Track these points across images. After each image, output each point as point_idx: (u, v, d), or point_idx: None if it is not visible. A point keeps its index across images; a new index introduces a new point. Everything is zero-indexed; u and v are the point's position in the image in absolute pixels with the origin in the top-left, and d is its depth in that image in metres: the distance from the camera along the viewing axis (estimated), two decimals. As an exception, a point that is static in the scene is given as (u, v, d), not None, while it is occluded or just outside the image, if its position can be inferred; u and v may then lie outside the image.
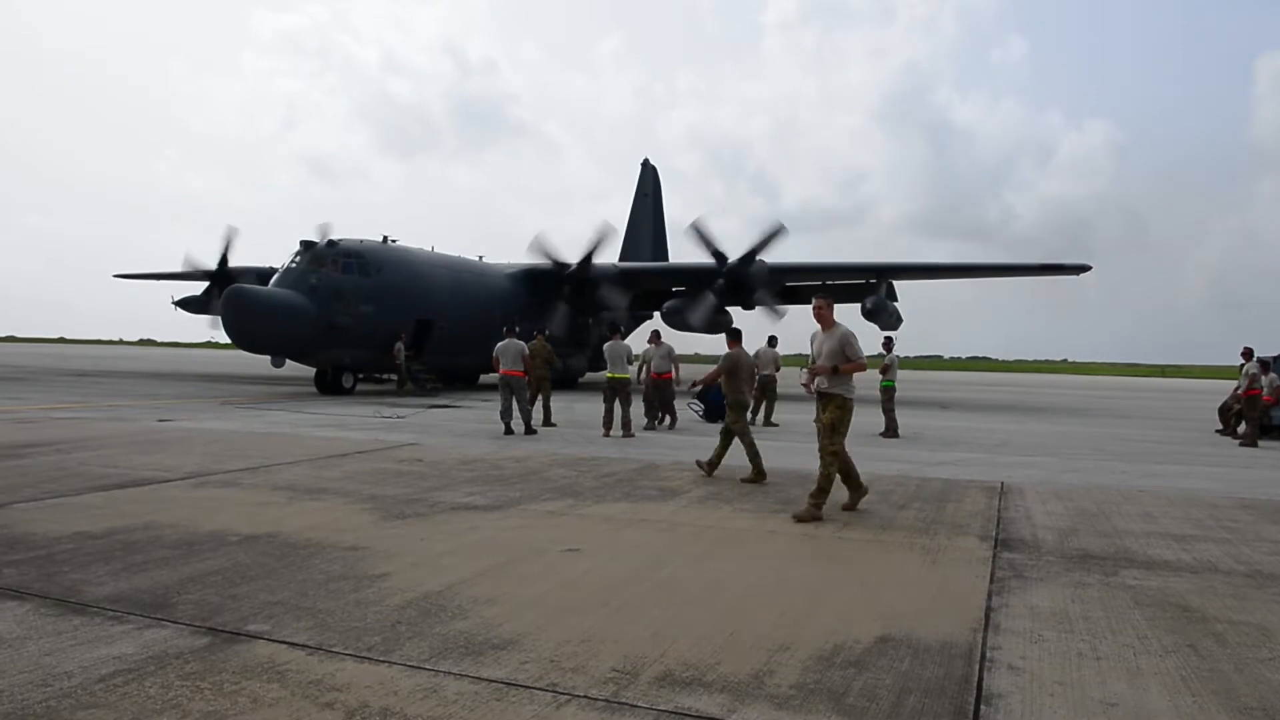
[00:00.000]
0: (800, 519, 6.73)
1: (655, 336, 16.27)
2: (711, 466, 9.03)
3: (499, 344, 13.96)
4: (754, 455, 8.89)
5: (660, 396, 15.47)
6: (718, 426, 15.27)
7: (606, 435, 13.34)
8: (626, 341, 14.88)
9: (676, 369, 15.87)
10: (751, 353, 16.65)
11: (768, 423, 16.02)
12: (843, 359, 7.01)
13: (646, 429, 14.66)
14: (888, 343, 16.17)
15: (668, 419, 15.68)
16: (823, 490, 6.94)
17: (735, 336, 9.85)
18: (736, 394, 9.29)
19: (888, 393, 15.01)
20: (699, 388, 12.59)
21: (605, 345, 14.52)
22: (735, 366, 9.36)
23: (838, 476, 7.17)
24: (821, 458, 7.03)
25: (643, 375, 16.28)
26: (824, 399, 7.10)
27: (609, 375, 13.89)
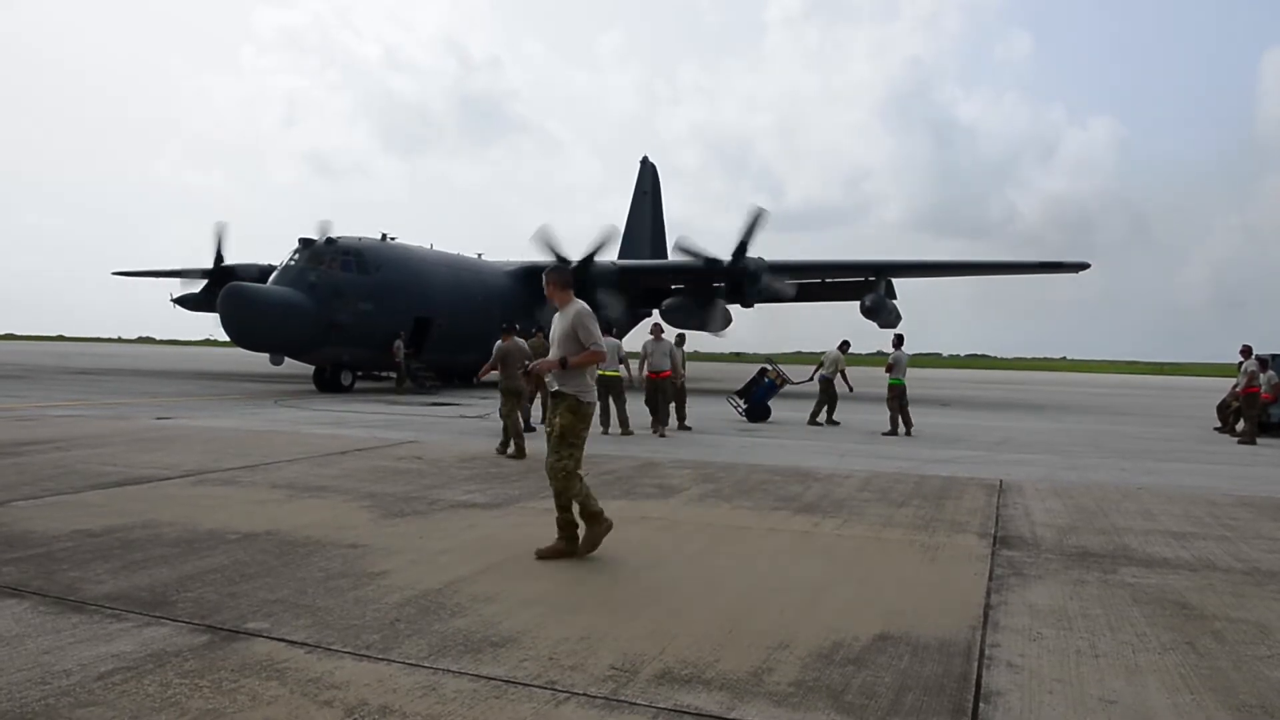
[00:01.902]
0: (543, 555, 5.31)
1: (655, 330, 15.10)
2: (517, 452, 10.29)
3: (498, 344, 13.93)
4: (518, 435, 10.42)
5: (664, 396, 14.18)
6: (750, 425, 15.39)
7: (605, 433, 13.33)
8: (621, 341, 14.75)
9: (675, 366, 15.02)
10: (829, 355, 16.76)
11: (830, 421, 15.93)
12: (575, 347, 5.43)
13: (657, 434, 13.37)
14: (898, 340, 15.86)
15: (674, 421, 14.52)
16: (568, 522, 5.42)
17: (506, 330, 11.63)
18: (510, 380, 10.82)
19: (894, 390, 14.87)
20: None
21: None
22: (506, 356, 10.97)
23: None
24: (552, 478, 5.40)
25: (643, 371, 15.29)
26: (554, 400, 5.55)
27: (600, 373, 13.86)
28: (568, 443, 5.37)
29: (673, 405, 14.54)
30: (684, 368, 15.27)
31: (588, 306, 5.60)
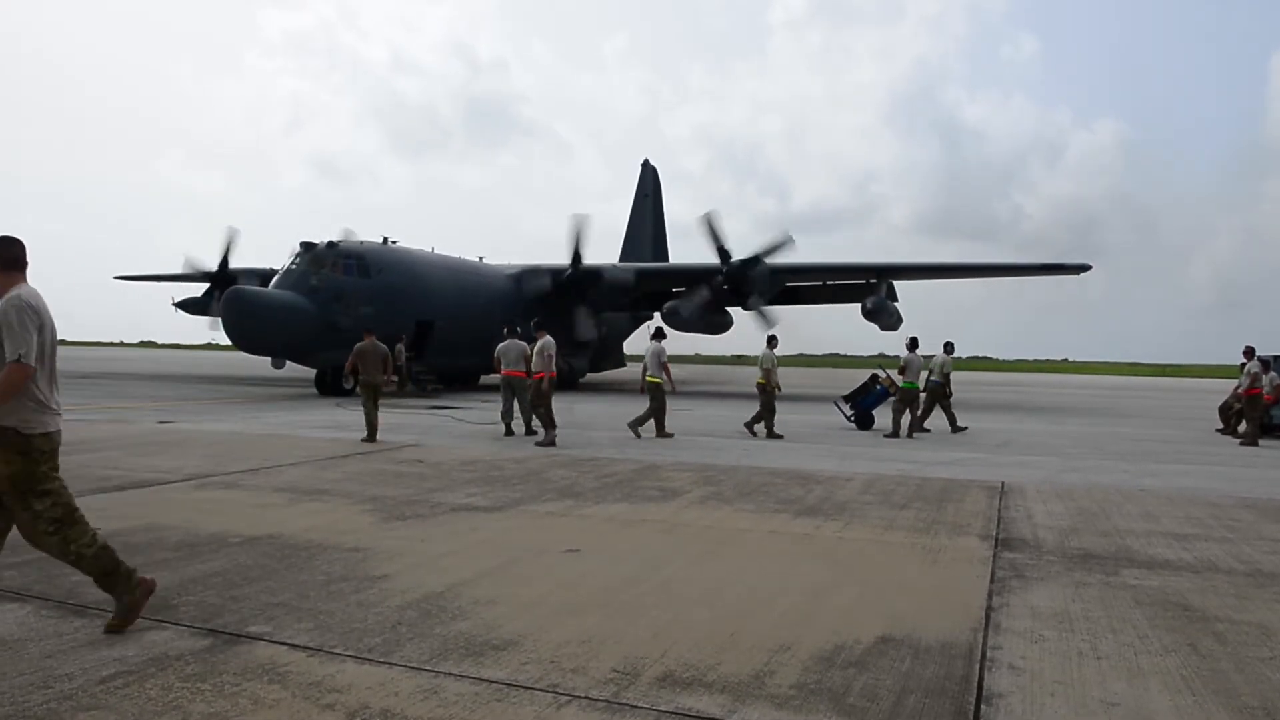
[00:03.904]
0: (112, 628, 3.85)
1: (539, 327, 13.46)
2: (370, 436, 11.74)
3: (501, 344, 13.95)
4: (372, 422, 11.86)
5: (536, 398, 12.70)
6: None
7: (639, 437, 12.98)
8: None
9: (772, 376, 14.46)
10: (936, 359, 16.16)
11: (955, 428, 15.44)
12: None
13: (540, 443, 11.94)
14: (912, 343, 15.58)
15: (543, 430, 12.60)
16: (108, 575, 3.90)
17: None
18: (369, 375, 12.30)
19: (905, 394, 14.80)
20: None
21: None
22: (363, 354, 12.51)
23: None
24: (39, 545, 3.87)
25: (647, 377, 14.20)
26: None
27: (648, 379, 13.80)
28: (36, 493, 3.77)
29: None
30: (776, 372, 14.57)
31: (25, 296, 3.77)
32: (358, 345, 12.63)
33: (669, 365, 14.17)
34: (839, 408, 16.71)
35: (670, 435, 13.31)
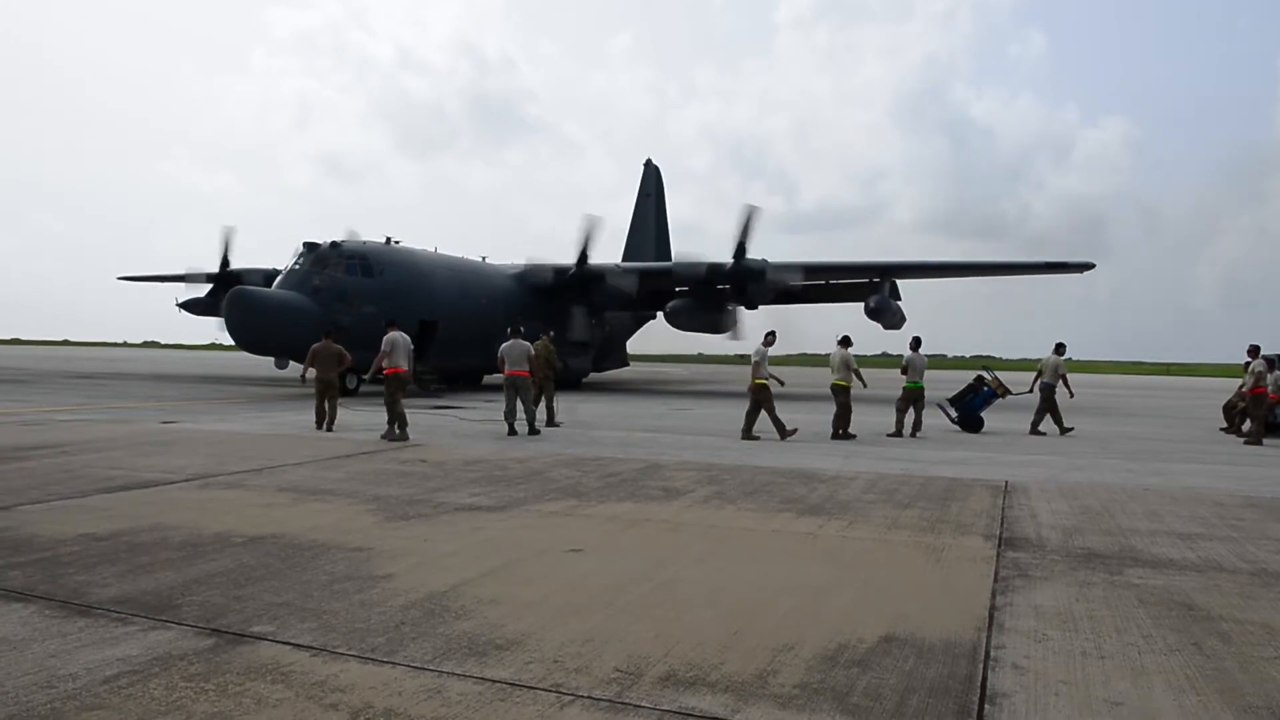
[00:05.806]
0: None
1: (389, 323, 13.68)
2: (328, 424, 12.97)
3: (504, 344, 13.96)
4: (322, 412, 13.01)
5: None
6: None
7: (753, 437, 13.19)
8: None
9: (859, 375, 14.19)
10: (1048, 361, 16.00)
11: (1063, 430, 15.38)
12: None
13: (383, 436, 11.98)
14: (915, 342, 15.54)
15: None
16: None
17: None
18: (323, 373, 13.43)
19: (909, 393, 14.79)
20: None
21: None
22: (317, 354, 13.71)
23: None
24: None
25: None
26: None
27: (754, 381, 13.77)
28: None
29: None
30: (852, 372, 14.17)
31: None
32: (314, 346, 13.96)
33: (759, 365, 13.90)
34: (944, 409, 16.40)
35: (793, 431, 13.35)
